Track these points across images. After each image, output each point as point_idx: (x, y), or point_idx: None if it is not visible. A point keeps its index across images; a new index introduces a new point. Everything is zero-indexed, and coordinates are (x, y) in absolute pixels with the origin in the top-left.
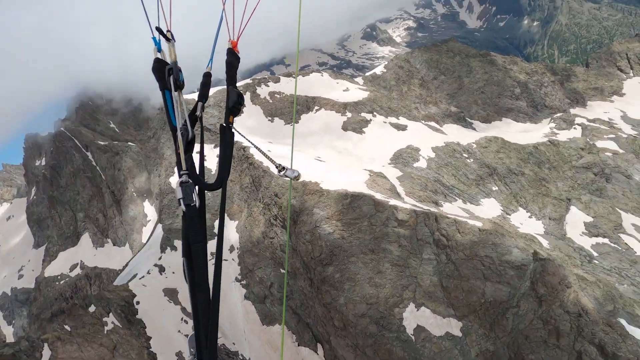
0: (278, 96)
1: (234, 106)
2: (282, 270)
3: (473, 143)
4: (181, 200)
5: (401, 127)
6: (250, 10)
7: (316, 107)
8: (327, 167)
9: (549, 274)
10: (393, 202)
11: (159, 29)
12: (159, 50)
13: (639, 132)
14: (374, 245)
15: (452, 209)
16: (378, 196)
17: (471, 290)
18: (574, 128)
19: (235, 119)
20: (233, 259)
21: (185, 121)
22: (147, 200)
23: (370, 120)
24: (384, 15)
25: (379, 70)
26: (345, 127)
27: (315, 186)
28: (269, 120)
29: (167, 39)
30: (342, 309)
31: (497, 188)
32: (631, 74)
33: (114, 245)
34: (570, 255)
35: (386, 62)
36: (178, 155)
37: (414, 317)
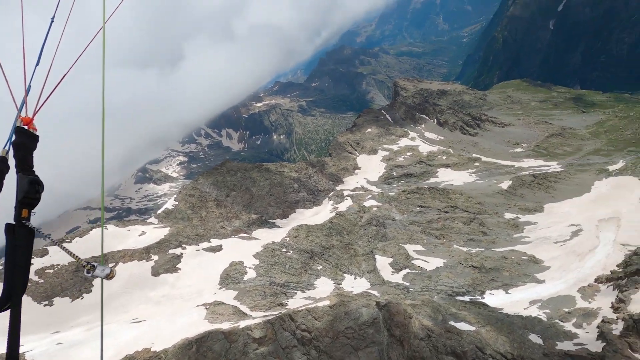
0: (51, 271)
1: (26, 197)
2: None
3: (285, 237)
4: None
5: (217, 249)
6: (52, 85)
7: (111, 264)
8: (151, 324)
9: (395, 314)
10: (243, 323)
11: None
12: None
13: (381, 189)
14: None
15: (297, 302)
16: (225, 326)
17: None
18: (346, 199)
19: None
20: None
21: None
22: None
23: (182, 254)
24: (153, 157)
25: (170, 204)
26: (156, 272)
27: (147, 353)
28: (45, 305)
29: None
30: None
31: (321, 266)
32: (357, 154)
33: None
34: (396, 293)
35: (175, 195)
36: None
37: None
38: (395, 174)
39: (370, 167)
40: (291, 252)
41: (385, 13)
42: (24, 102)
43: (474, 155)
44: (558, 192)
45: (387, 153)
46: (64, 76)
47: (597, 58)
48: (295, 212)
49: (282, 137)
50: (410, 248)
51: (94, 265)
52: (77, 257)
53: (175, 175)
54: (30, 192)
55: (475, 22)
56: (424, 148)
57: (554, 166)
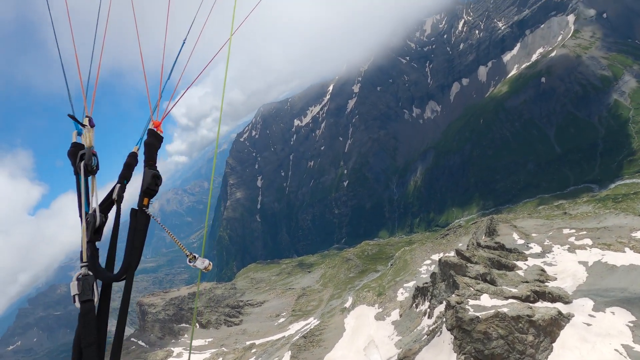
0: None
1: (149, 188)
2: None
3: None
4: (76, 297)
5: None
6: (178, 94)
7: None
8: None
9: None
10: None
11: (71, 116)
12: (79, 134)
13: None
14: None
15: None
16: None
17: None
18: None
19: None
20: None
21: (95, 208)
22: None
23: None
24: None
25: None
26: None
27: None
28: None
29: (82, 125)
30: None
31: None
32: None
33: None
34: None
35: None
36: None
37: None
38: None
39: None
40: None
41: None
42: (156, 107)
43: (248, 342)
44: (327, 341)
45: None
46: (187, 88)
47: (297, 233)
48: None
49: None
50: None
51: (195, 256)
52: (183, 247)
53: None
54: (152, 184)
55: (200, 229)
56: (196, 358)
57: (312, 321)
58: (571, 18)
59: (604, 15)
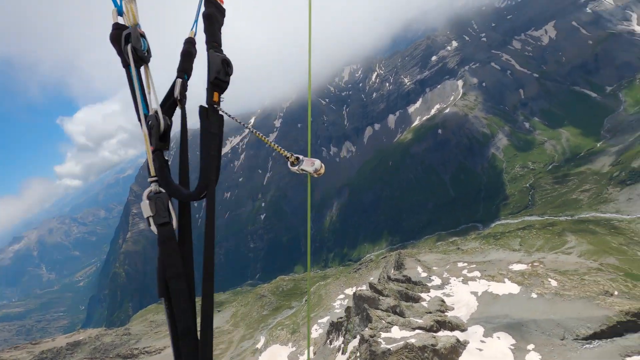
0: None
1: (217, 78)
2: None
3: None
4: (150, 220)
5: None
6: None
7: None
8: None
9: None
10: None
11: None
12: (120, 13)
13: None
14: None
15: None
16: None
17: None
18: None
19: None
20: None
21: (156, 108)
22: None
23: None
24: None
25: None
26: None
27: None
28: None
29: None
30: None
31: None
32: None
33: None
34: None
35: None
36: (152, 152)
37: None
38: None
39: None
40: None
41: None
42: None
43: None
44: None
45: None
46: None
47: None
48: None
49: None
50: None
51: (299, 158)
52: (279, 147)
53: None
54: (221, 72)
55: (89, 265)
56: None
57: None
58: (460, 83)
59: (484, 84)
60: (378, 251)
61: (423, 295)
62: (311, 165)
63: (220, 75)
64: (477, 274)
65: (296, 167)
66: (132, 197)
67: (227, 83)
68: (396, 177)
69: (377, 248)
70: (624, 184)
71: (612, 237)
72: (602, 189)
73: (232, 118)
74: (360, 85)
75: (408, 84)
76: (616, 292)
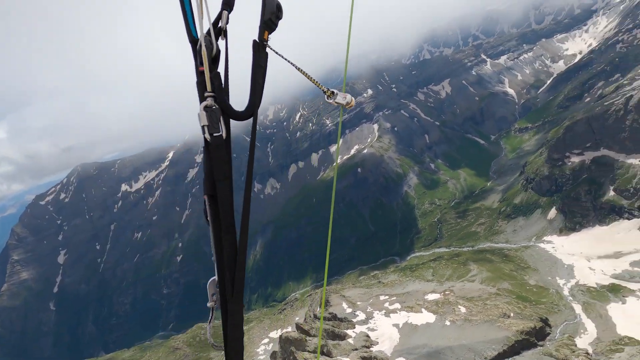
0: None
1: (270, 18)
2: None
3: None
4: (205, 128)
5: None
6: None
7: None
8: None
9: None
10: None
11: None
12: None
13: None
14: None
15: None
16: None
17: None
18: None
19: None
20: None
21: (209, 31)
22: None
23: None
24: None
25: None
26: None
27: None
28: None
29: None
30: None
31: None
32: None
33: None
34: None
35: None
36: (201, 73)
37: None
38: None
39: None
40: None
41: None
42: None
43: None
44: None
45: None
46: None
47: (109, 321)
48: None
49: None
50: None
51: (334, 92)
52: (317, 82)
53: None
54: (274, 15)
55: None
56: None
57: None
58: (376, 126)
59: (395, 128)
60: (303, 289)
61: (349, 332)
62: (343, 98)
63: (273, 17)
64: (397, 305)
65: (332, 100)
66: (14, 240)
67: (276, 25)
68: (320, 214)
69: (302, 286)
70: (510, 218)
71: (505, 264)
72: (493, 222)
73: (280, 55)
74: (285, 124)
75: (329, 125)
76: (512, 314)
